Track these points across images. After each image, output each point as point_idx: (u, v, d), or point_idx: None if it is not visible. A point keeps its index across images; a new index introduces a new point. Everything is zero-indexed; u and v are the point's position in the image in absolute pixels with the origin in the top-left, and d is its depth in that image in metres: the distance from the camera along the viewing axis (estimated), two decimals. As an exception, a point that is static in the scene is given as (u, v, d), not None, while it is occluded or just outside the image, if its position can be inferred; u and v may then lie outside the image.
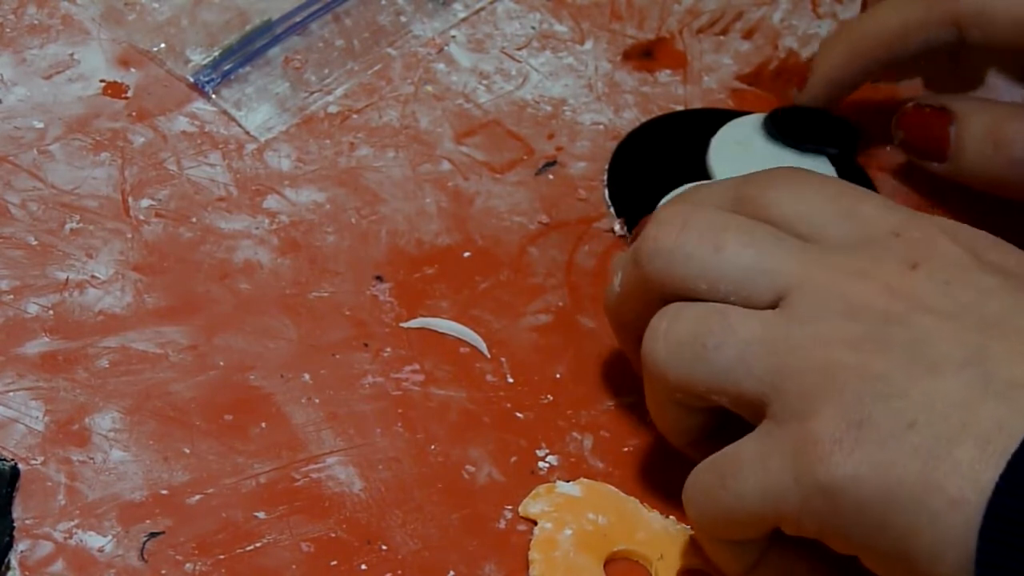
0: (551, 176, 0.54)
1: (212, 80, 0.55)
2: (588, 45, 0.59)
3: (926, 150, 0.51)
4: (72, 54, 0.56)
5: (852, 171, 0.54)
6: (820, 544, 0.37)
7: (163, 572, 0.41)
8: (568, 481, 0.44)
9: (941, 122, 0.51)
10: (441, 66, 0.57)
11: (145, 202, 0.51)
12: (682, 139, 0.55)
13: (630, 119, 0.56)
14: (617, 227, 0.52)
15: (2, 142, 0.52)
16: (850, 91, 0.54)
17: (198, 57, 0.56)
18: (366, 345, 0.48)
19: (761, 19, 0.61)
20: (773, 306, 0.39)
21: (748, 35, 0.60)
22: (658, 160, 0.55)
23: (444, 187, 0.53)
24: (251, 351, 0.47)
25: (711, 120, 0.56)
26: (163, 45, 0.56)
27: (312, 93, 0.56)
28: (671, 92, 0.58)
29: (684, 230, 0.40)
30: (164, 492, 0.43)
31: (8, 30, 0.56)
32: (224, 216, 0.51)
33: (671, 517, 0.44)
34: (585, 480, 0.45)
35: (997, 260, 0.39)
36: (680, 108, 0.57)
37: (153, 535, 0.42)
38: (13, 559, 0.41)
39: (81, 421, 0.44)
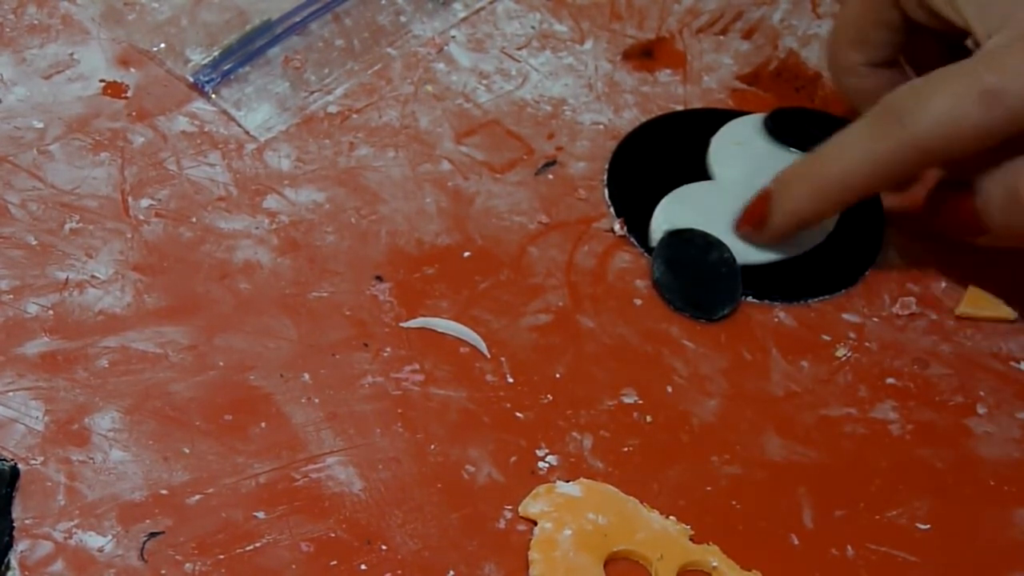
0: (551, 176, 0.54)
1: (212, 80, 0.55)
2: (588, 45, 0.59)
3: (962, 231, 0.48)
4: (72, 54, 0.56)
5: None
6: None
7: (163, 572, 0.41)
8: (568, 481, 0.44)
9: (966, 203, 0.47)
10: (441, 66, 0.57)
11: (145, 202, 0.51)
12: (682, 139, 0.55)
13: (630, 119, 0.56)
14: (617, 227, 0.52)
15: (2, 142, 0.52)
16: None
17: (198, 57, 0.56)
18: (366, 345, 0.48)
19: (761, 19, 0.61)
20: None
21: (748, 35, 0.60)
22: (658, 160, 0.55)
23: (444, 187, 0.53)
24: (251, 351, 0.47)
25: (711, 120, 0.56)
26: (163, 45, 0.56)
27: (312, 93, 0.56)
28: (671, 92, 0.58)
29: None
30: (164, 492, 0.43)
31: (8, 30, 0.56)
32: (224, 216, 0.51)
33: (671, 517, 0.44)
34: (585, 480, 0.45)
35: None
36: (680, 108, 0.57)
37: (153, 535, 0.42)
38: (13, 559, 0.41)
39: (81, 421, 0.44)
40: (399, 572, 0.42)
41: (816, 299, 0.51)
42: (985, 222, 0.47)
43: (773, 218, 0.49)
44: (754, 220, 0.50)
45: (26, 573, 0.41)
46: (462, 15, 0.59)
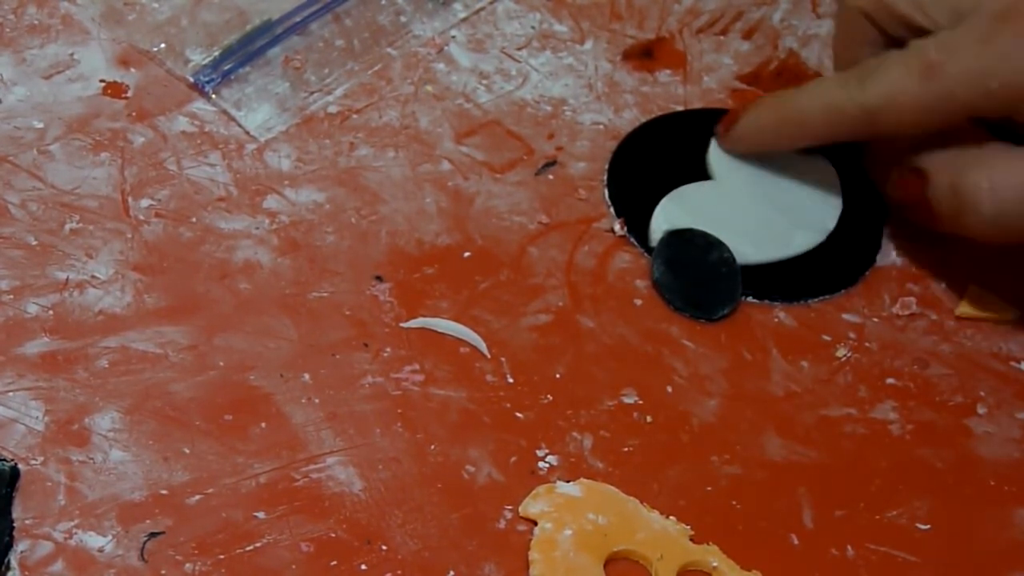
0: (551, 176, 0.54)
1: (212, 80, 0.55)
2: (588, 45, 0.59)
3: (918, 217, 0.49)
4: (72, 54, 0.56)
5: (854, 172, 0.54)
6: None
7: (163, 572, 0.41)
8: (568, 481, 0.44)
9: (918, 186, 0.48)
10: (441, 66, 0.57)
11: (145, 202, 0.51)
12: (682, 139, 0.55)
13: (630, 119, 0.56)
14: (617, 227, 0.52)
15: (2, 142, 0.52)
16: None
17: (198, 57, 0.56)
18: (366, 345, 0.48)
19: (761, 19, 0.61)
20: None
21: (748, 35, 0.60)
22: (658, 160, 0.55)
23: (444, 187, 0.53)
24: (251, 351, 0.47)
25: (711, 120, 0.56)
26: (163, 45, 0.56)
27: (312, 93, 0.56)
28: (671, 92, 0.58)
29: None
30: (164, 492, 0.43)
31: (8, 30, 0.56)
32: (224, 216, 0.51)
33: (671, 517, 0.44)
34: (585, 480, 0.45)
35: None
36: (680, 108, 0.57)
37: (153, 535, 0.42)
38: (13, 559, 0.41)
39: (81, 421, 0.44)
40: (399, 572, 0.42)
41: (816, 299, 0.51)
42: (935, 211, 0.48)
43: (737, 127, 0.52)
44: (726, 122, 0.53)
45: (26, 573, 0.41)
46: (462, 15, 0.59)
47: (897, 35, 0.49)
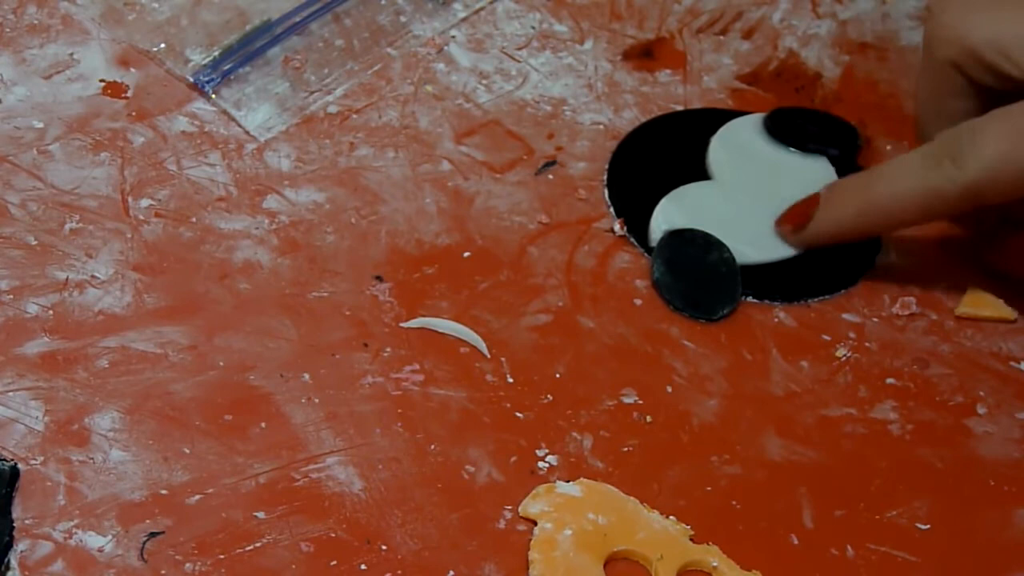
0: (551, 176, 0.54)
1: (212, 80, 0.55)
2: (588, 45, 0.59)
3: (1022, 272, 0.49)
4: (72, 54, 0.56)
5: (853, 172, 0.54)
6: None
7: (163, 572, 0.41)
8: (568, 481, 0.44)
9: None
10: (441, 66, 0.57)
11: (145, 202, 0.51)
12: (682, 139, 0.55)
13: (630, 119, 0.56)
14: (617, 227, 0.52)
15: (2, 142, 0.52)
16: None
17: (198, 57, 0.56)
18: (366, 345, 0.48)
19: (761, 19, 0.61)
20: None
21: (748, 35, 0.60)
22: (658, 160, 0.55)
23: (444, 187, 0.53)
24: (251, 351, 0.47)
25: (711, 120, 0.56)
26: (163, 45, 0.56)
27: (312, 93, 0.56)
28: (671, 92, 0.58)
29: None
30: (164, 492, 0.43)
31: (8, 30, 0.56)
32: (224, 216, 0.51)
33: (671, 517, 0.44)
34: (585, 480, 0.45)
35: None
36: (680, 108, 0.57)
37: (153, 535, 0.42)
38: (13, 559, 0.41)
39: (81, 421, 0.44)
40: (399, 572, 0.42)
41: (816, 299, 0.51)
42: None
43: (815, 223, 0.50)
44: (796, 220, 0.50)
45: (26, 573, 0.41)
46: (462, 15, 0.59)
47: (985, 84, 0.47)
